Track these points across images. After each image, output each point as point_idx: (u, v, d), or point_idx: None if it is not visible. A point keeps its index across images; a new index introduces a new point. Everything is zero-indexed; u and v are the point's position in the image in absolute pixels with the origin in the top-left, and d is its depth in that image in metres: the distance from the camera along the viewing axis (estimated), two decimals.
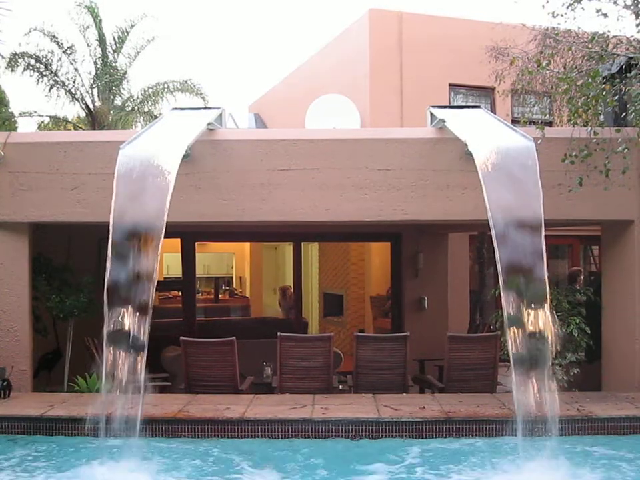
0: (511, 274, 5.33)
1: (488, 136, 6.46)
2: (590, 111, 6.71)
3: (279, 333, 7.45)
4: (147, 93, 20.16)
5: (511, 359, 5.27)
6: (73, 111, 23.16)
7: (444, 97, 13.15)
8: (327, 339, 7.59)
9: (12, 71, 18.09)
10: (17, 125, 20.11)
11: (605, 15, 6.88)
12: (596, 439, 5.96)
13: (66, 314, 7.80)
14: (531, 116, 11.77)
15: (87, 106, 19.25)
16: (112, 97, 19.92)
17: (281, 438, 6.02)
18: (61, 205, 7.16)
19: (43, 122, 20.75)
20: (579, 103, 6.76)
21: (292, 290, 12.30)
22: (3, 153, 7.10)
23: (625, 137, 6.57)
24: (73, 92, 18.90)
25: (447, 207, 7.09)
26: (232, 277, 18.47)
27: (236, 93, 42.30)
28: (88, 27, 19.12)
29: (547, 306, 5.32)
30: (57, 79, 18.59)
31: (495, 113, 10.02)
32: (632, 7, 6.88)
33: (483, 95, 13.61)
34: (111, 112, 19.69)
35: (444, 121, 6.88)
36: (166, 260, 14.67)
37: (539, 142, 6.19)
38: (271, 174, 7.07)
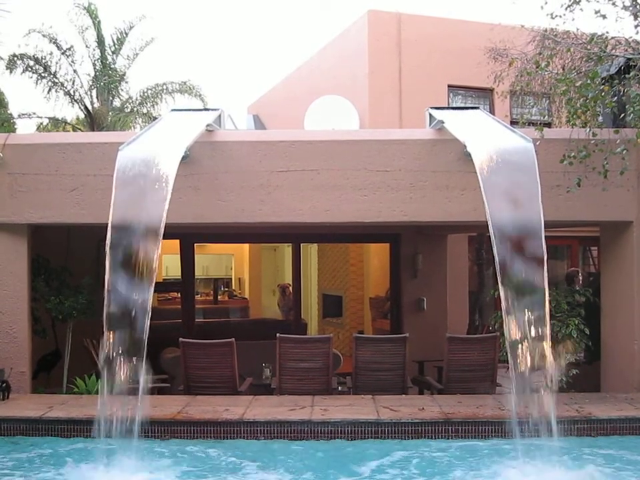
0: (510, 275, 5.33)
1: (487, 137, 6.46)
2: (589, 112, 6.71)
3: (278, 334, 7.45)
4: (145, 94, 20.21)
5: (510, 360, 5.27)
6: (72, 113, 23.19)
7: (443, 98, 13.16)
8: (326, 340, 7.59)
9: (11, 72, 18.12)
10: (15, 127, 20.13)
11: (604, 16, 6.89)
12: (595, 440, 5.97)
13: (65, 315, 7.79)
14: (529, 117, 11.74)
15: (86, 107, 19.27)
16: (111, 98, 19.95)
17: (280, 439, 6.01)
18: (59, 207, 7.15)
19: (41, 123, 20.80)
20: (578, 104, 6.76)
21: (291, 288, 12.29)
22: (1, 155, 7.09)
23: (624, 137, 6.57)
24: (72, 93, 18.92)
25: (446, 208, 7.09)
26: (231, 278, 18.45)
27: (235, 94, 42.32)
28: (87, 29, 19.20)
29: (546, 308, 5.32)
30: (56, 81, 18.61)
31: (493, 114, 10.01)
32: (630, 8, 6.89)
33: (481, 96, 13.62)
34: (110, 113, 19.72)
35: (443, 122, 6.89)
36: (165, 261, 14.66)
37: (537, 143, 6.19)
38: (270, 175, 7.07)
